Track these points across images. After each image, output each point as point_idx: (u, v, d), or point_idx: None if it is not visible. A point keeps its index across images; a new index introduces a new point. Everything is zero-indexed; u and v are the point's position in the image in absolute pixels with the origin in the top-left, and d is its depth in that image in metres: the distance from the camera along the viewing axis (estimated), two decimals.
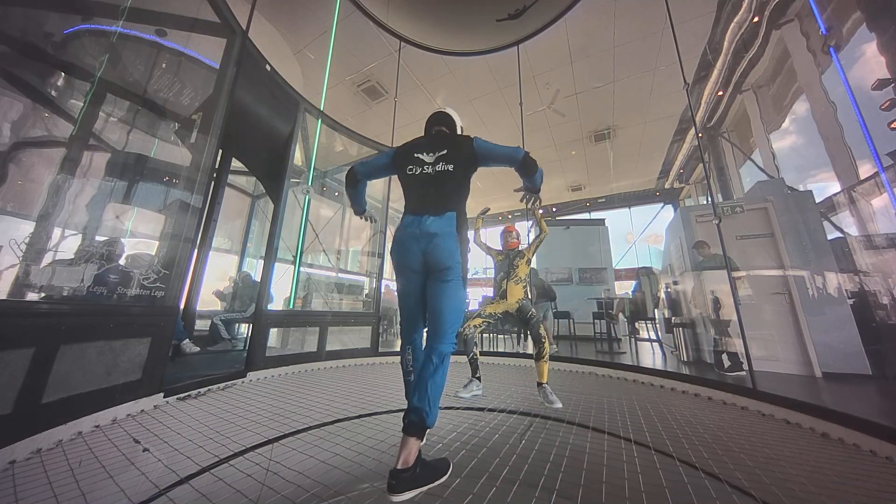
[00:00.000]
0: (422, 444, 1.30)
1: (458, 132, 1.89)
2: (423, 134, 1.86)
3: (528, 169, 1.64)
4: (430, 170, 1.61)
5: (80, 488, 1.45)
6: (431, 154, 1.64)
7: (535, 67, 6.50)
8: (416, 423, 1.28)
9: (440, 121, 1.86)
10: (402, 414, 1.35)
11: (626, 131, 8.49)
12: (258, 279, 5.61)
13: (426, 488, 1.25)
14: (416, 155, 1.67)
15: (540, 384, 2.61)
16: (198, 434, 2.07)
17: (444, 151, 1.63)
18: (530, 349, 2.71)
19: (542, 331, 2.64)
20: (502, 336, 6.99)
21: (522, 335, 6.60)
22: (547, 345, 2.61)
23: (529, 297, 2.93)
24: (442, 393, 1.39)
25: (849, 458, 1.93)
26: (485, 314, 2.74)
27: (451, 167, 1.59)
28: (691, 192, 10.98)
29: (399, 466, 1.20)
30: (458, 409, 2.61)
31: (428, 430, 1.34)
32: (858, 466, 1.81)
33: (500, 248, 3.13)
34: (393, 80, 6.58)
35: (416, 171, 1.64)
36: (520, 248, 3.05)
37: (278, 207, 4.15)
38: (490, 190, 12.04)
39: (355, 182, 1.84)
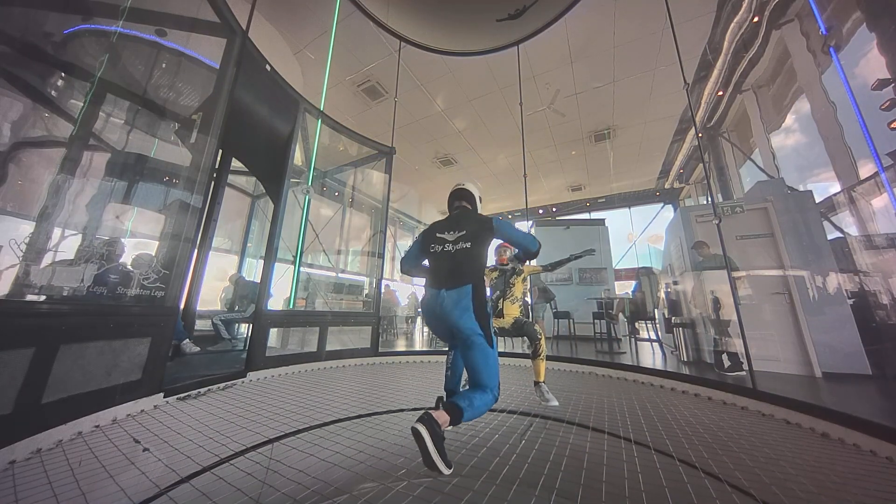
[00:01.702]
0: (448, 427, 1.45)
1: (478, 203, 2.09)
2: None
3: (533, 257, 1.96)
4: (450, 247, 1.80)
5: (80, 488, 1.45)
6: (453, 233, 1.83)
7: (535, 67, 6.49)
8: (455, 404, 1.46)
9: (462, 196, 2.04)
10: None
11: (626, 131, 8.49)
12: (254, 280, 5.62)
13: (437, 455, 1.35)
14: (438, 235, 1.86)
15: (537, 383, 2.61)
16: (198, 434, 2.07)
17: (464, 232, 1.81)
18: (528, 348, 2.72)
19: (536, 327, 2.65)
20: (502, 336, 6.99)
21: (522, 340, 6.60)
22: (543, 342, 2.61)
23: (529, 306, 2.94)
24: (480, 414, 1.55)
25: (849, 458, 1.93)
26: None
27: (468, 245, 1.77)
28: (691, 192, 10.98)
29: (434, 416, 1.40)
30: None
31: (452, 425, 1.47)
32: (858, 466, 1.81)
33: (494, 265, 3.07)
34: (393, 80, 6.57)
35: (437, 248, 1.83)
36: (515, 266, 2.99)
37: (278, 207, 4.15)
38: (490, 190, 12.05)
39: (409, 273, 2.07)
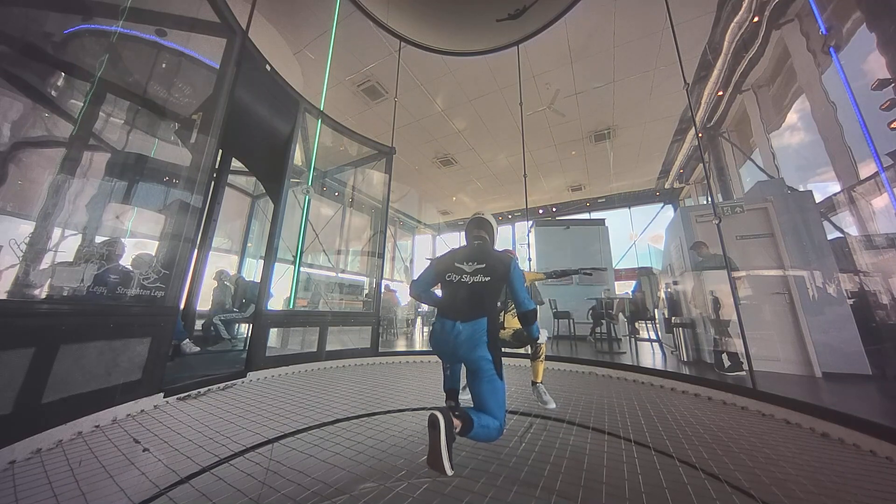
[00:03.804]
0: (455, 426, 1.41)
1: (496, 235, 2.08)
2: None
3: (527, 319, 1.91)
4: (467, 279, 1.77)
5: (80, 488, 1.45)
6: (471, 264, 1.80)
7: (535, 67, 6.49)
8: (468, 415, 1.44)
9: (480, 226, 2.02)
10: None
11: (626, 131, 8.49)
12: (254, 280, 5.62)
13: (446, 451, 1.29)
14: (456, 264, 1.83)
15: (534, 383, 2.61)
16: (198, 434, 2.07)
17: (483, 265, 1.78)
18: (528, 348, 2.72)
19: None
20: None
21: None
22: (543, 344, 2.61)
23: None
24: (484, 438, 1.52)
25: (849, 458, 1.93)
26: None
27: (487, 279, 1.74)
28: (691, 192, 10.97)
29: (453, 413, 1.40)
30: None
31: (461, 434, 1.45)
32: (858, 466, 1.81)
33: None
34: (393, 80, 6.57)
35: (454, 278, 1.80)
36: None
37: (278, 207, 4.15)
38: (490, 190, 12.05)
39: (418, 298, 2.03)
